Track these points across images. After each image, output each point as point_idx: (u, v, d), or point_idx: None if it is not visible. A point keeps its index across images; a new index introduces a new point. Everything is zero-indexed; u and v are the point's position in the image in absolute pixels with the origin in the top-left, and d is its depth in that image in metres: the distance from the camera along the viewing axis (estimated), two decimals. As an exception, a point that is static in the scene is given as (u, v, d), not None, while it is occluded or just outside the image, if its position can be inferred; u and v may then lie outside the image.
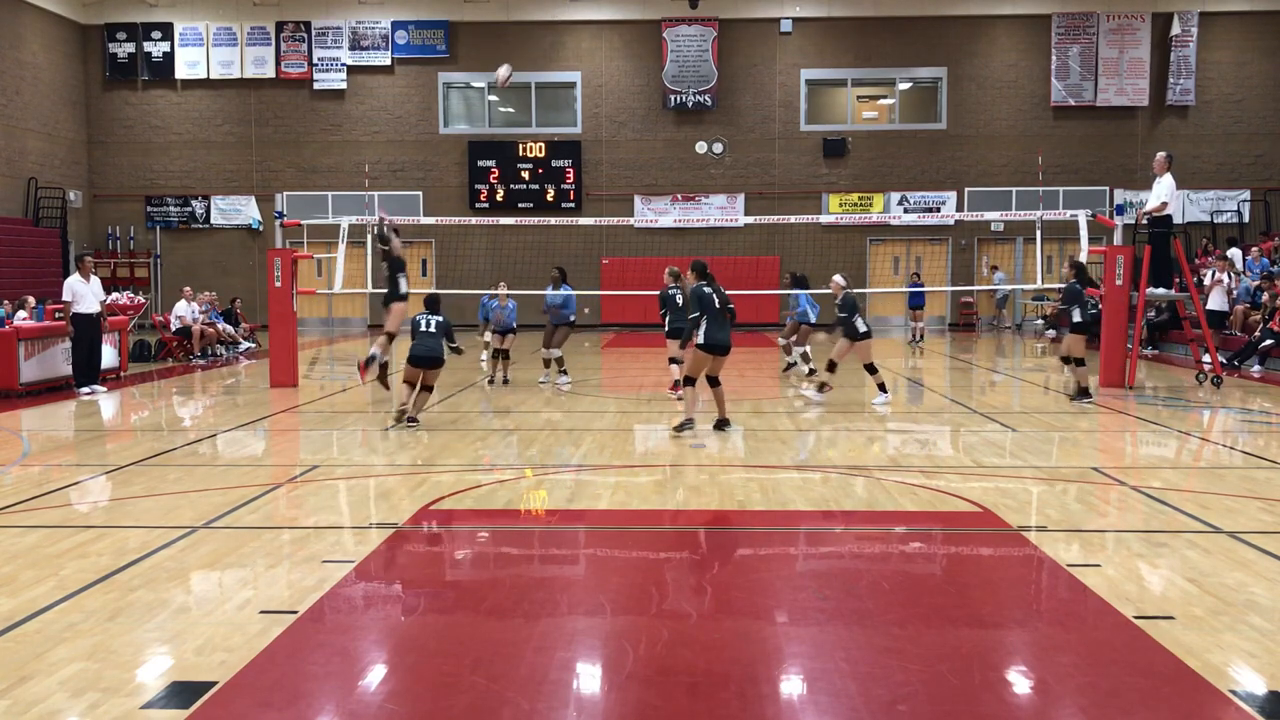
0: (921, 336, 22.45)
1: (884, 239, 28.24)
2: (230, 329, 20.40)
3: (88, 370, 14.04)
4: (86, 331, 13.83)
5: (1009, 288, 26.19)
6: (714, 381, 10.45)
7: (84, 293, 13.80)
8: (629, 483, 7.98)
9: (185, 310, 19.20)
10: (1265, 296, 16.83)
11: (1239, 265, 20.36)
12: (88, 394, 13.76)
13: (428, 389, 11.02)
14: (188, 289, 20.01)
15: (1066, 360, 12.79)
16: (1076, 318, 12.40)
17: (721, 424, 10.38)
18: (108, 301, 15.49)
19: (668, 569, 5.97)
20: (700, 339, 10.13)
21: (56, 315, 14.62)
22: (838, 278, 13.03)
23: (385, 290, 12.26)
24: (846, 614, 5.03)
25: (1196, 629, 4.71)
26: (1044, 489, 7.77)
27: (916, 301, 22.39)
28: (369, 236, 16.91)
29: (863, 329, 12.46)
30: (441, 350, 10.94)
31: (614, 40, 27.98)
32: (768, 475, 8.27)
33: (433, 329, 10.94)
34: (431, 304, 11.33)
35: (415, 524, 6.76)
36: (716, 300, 10.22)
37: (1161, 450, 9.86)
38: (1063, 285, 12.76)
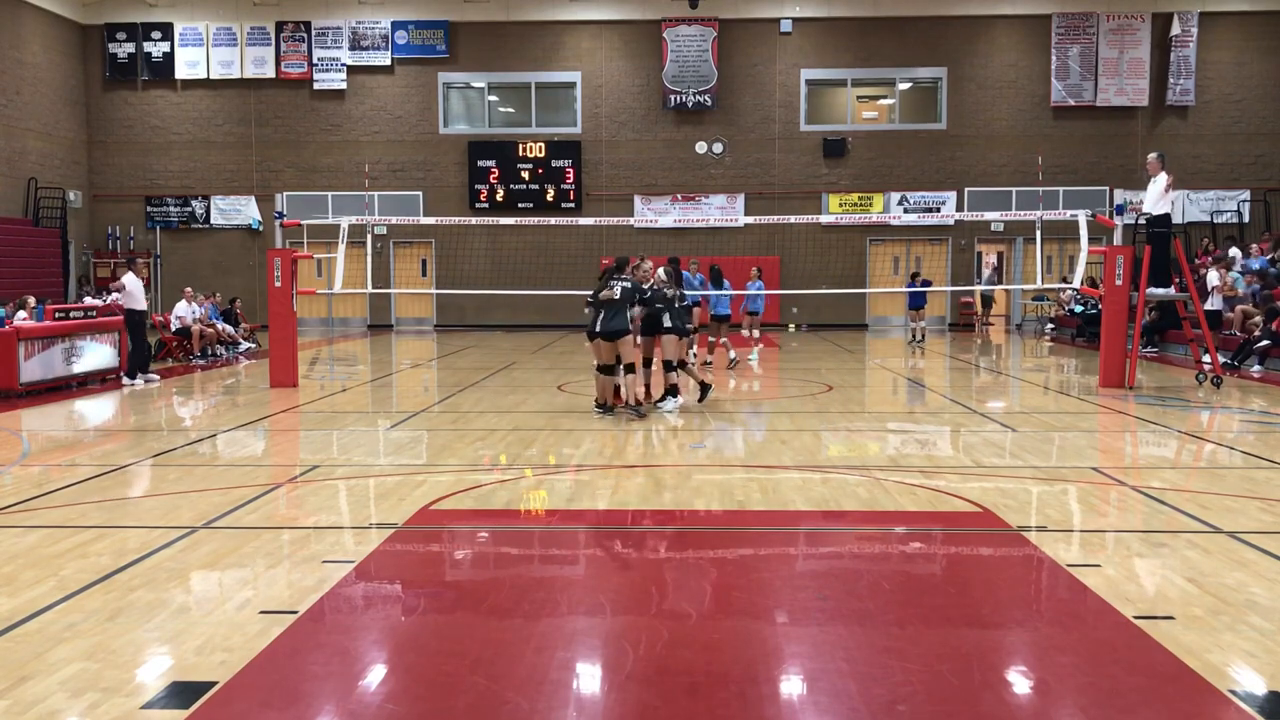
0: (922, 337, 22.46)
1: (884, 239, 28.24)
2: (230, 329, 20.42)
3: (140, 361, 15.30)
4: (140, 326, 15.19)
5: (990, 287, 26.22)
6: (608, 370, 11.38)
7: (141, 292, 15.23)
8: (629, 483, 7.98)
9: (185, 310, 19.25)
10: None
11: (1238, 265, 20.38)
12: (141, 384, 14.95)
13: (627, 369, 11.39)
14: (188, 289, 20.06)
15: (671, 366, 12.13)
16: (667, 322, 11.90)
17: (600, 405, 11.48)
18: (107, 301, 16.12)
19: (668, 569, 5.97)
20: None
21: (57, 315, 14.67)
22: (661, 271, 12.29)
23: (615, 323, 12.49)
24: (846, 614, 5.03)
25: (1196, 629, 4.71)
26: (1044, 489, 7.77)
27: (917, 302, 22.39)
28: (369, 236, 16.94)
29: (667, 324, 11.95)
30: (614, 325, 11.23)
31: (614, 40, 27.98)
32: (768, 475, 8.27)
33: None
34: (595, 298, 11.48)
35: (415, 524, 6.76)
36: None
37: (1161, 450, 9.86)
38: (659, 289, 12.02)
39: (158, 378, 15.49)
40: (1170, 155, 15.35)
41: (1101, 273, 15.01)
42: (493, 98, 28.65)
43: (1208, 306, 17.52)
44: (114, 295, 16.29)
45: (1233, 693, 4.06)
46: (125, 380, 14.95)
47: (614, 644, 4.66)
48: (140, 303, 15.10)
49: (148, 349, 15.76)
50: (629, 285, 11.26)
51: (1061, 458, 9.17)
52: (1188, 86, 27.11)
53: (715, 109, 27.76)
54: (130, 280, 15.03)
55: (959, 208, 27.36)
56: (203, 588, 5.43)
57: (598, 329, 11.14)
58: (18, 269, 23.33)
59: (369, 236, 16.93)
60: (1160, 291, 14.60)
